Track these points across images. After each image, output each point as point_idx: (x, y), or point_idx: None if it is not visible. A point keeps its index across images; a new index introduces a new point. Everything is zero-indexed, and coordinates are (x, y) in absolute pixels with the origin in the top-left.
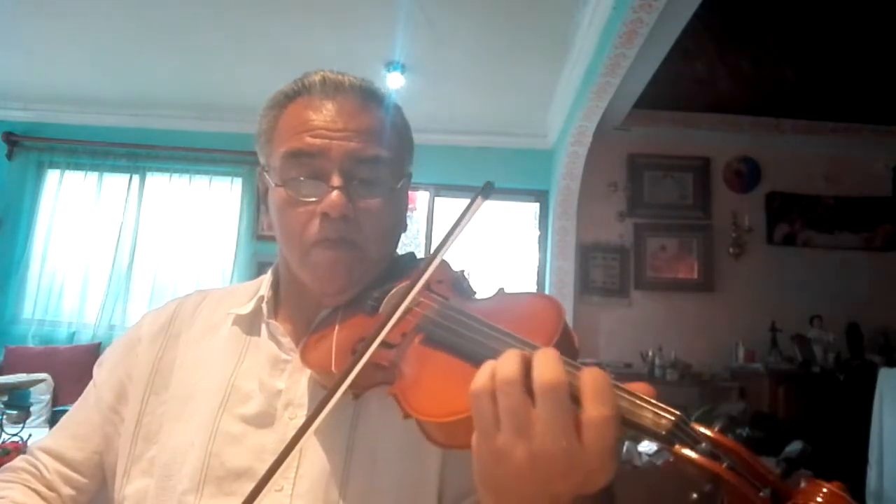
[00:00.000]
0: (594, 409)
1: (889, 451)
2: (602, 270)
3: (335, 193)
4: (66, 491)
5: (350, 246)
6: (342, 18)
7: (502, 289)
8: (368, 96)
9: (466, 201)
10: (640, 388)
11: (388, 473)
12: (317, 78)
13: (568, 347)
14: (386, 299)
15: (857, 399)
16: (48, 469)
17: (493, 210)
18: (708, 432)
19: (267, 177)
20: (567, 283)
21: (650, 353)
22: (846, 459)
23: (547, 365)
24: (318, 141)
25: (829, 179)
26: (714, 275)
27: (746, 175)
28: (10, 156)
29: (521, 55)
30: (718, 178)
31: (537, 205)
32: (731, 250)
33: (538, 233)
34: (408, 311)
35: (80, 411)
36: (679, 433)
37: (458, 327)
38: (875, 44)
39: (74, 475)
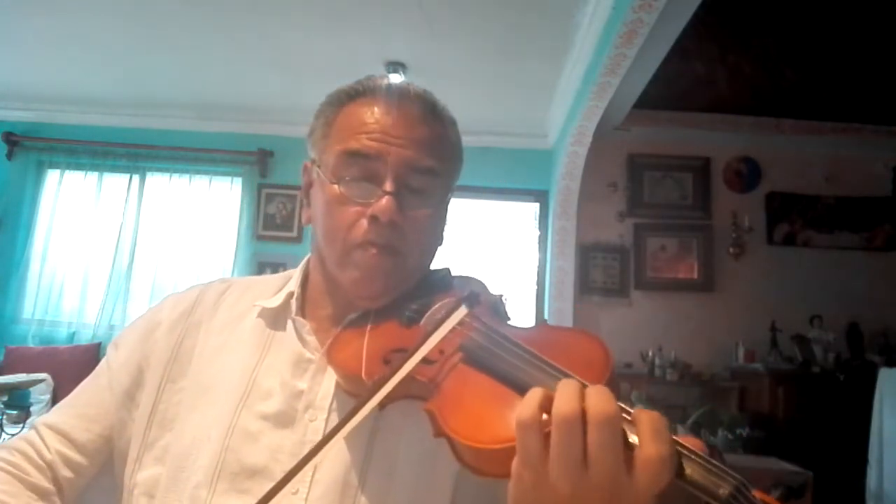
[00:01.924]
0: (653, 447)
1: (889, 451)
2: (602, 270)
3: (387, 199)
4: (65, 474)
5: (393, 252)
6: (342, 18)
7: (545, 321)
8: (430, 108)
9: (465, 202)
10: (694, 444)
11: (403, 485)
12: (382, 82)
13: (615, 386)
14: (428, 314)
15: (857, 399)
16: (49, 449)
17: (492, 210)
18: (765, 498)
19: (318, 171)
20: (567, 283)
21: (650, 353)
22: (846, 459)
23: (601, 399)
24: (376, 144)
25: (829, 179)
26: (714, 275)
27: (746, 175)
28: (10, 156)
29: (521, 55)
30: (718, 178)
31: (537, 205)
32: (731, 250)
33: (538, 233)
34: (451, 329)
35: (90, 391)
36: (739, 498)
37: (506, 354)
38: (875, 44)
39: (76, 456)
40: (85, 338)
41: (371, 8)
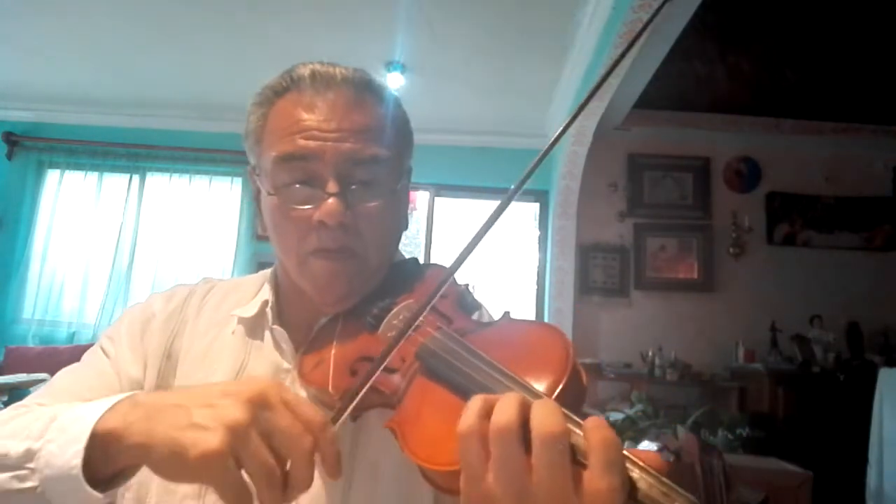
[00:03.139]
0: (604, 481)
1: (889, 451)
2: (602, 270)
3: (331, 200)
4: None
5: (349, 254)
6: (342, 18)
7: (508, 313)
8: (363, 89)
9: (466, 202)
10: (651, 460)
11: (387, 487)
12: (306, 71)
13: (576, 388)
14: (386, 320)
15: (857, 399)
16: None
17: (492, 210)
18: None
19: (258, 179)
20: (567, 283)
21: (650, 353)
22: (846, 459)
23: (546, 415)
24: (310, 143)
25: (829, 179)
26: (714, 275)
27: (746, 175)
28: (10, 156)
29: (521, 55)
30: (718, 178)
31: (537, 205)
32: (731, 250)
33: (538, 233)
34: (408, 337)
35: (88, 380)
36: None
37: (459, 363)
38: (875, 44)
39: None
40: (85, 338)
41: (371, 8)
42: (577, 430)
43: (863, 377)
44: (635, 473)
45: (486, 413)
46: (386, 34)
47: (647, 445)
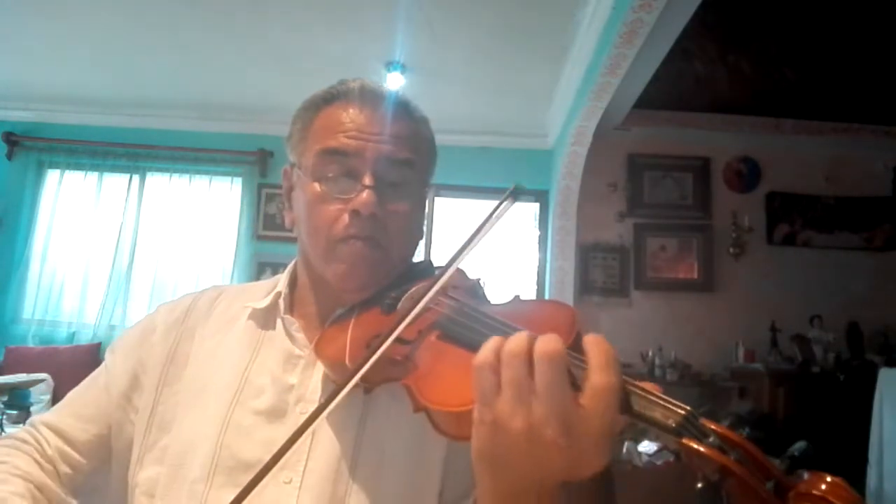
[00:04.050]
0: (600, 376)
1: (889, 451)
2: (602, 270)
3: (366, 192)
4: (64, 469)
5: (375, 244)
6: (342, 18)
7: (518, 295)
8: (403, 106)
9: (466, 202)
10: (648, 386)
11: (393, 471)
12: (356, 84)
13: (581, 350)
14: (404, 298)
15: (857, 399)
16: (49, 444)
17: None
18: (715, 427)
19: (298, 172)
20: (567, 283)
21: (650, 353)
22: (846, 459)
23: (548, 340)
24: (353, 142)
25: (829, 179)
26: (714, 275)
27: (746, 175)
28: (10, 156)
29: (520, 55)
30: (718, 178)
31: (537, 205)
32: (731, 250)
33: (538, 233)
34: (425, 309)
35: (88, 393)
36: (689, 426)
37: (475, 324)
38: (875, 44)
39: (74, 454)
40: (85, 338)
41: (371, 8)
42: (579, 363)
43: (863, 377)
44: (637, 398)
45: (500, 348)
46: (386, 34)
47: (647, 446)
